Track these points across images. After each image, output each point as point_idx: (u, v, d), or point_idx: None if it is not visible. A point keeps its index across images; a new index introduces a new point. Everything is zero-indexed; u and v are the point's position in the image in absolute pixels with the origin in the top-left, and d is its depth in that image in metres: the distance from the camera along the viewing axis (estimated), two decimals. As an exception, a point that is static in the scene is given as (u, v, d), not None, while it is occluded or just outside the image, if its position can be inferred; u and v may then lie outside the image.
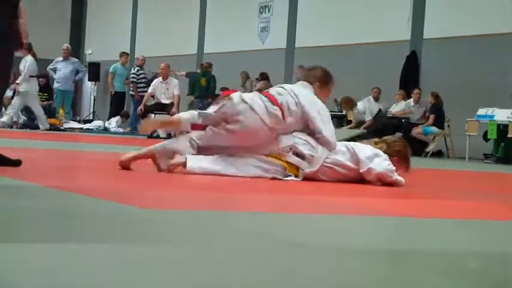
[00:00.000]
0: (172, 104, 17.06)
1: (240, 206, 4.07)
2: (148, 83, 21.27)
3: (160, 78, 17.59)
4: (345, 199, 5.02)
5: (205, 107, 20.66)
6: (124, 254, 2.33)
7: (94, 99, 25.82)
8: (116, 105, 22.73)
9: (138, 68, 21.52)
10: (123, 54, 21.71)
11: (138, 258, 2.28)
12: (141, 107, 17.12)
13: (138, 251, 2.40)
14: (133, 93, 21.50)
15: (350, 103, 15.81)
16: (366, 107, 18.38)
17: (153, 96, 18.09)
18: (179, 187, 5.03)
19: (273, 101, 6.13)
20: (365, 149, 5.99)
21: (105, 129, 21.15)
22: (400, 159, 6.18)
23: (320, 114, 6.27)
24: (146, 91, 21.13)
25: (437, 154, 17.00)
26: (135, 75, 21.34)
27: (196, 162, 5.86)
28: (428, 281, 2.24)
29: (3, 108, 13.74)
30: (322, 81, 6.53)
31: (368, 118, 18.02)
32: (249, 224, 3.28)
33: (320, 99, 6.43)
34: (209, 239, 2.79)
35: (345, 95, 17.45)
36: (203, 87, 20.68)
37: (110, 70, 21.02)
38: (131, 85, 21.50)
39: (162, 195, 4.40)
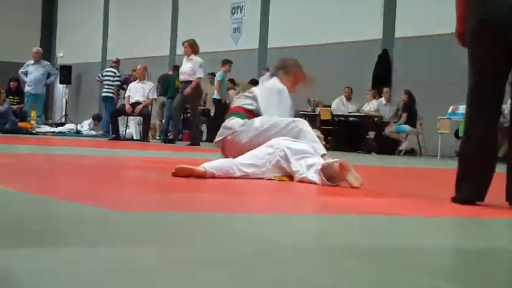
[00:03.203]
0: (139, 103, 17.06)
1: (220, 207, 4.06)
2: (121, 85, 21.33)
3: (136, 80, 17.66)
4: (315, 198, 5.02)
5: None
6: (103, 257, 2.32)
7: (66, 102, 25.72)
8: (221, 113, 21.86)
9: (115, 70, 21.63)
10: (226, 62, 20.62)
11: (120, 261, 2.27)
12: (128, 106, 17.06)
13: (118, 254, 2.39)
14: (108, 94, 21.52)
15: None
16: (338, 107, 18.47)
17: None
18: (159, 189, 5.01)
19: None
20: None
21: (78, 132, 21.08)
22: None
23: (263, 93, 6.58)
24: (107, 91, 21.34)
25: (410, 152, 17.08)
26: (112, 76, 21.50)
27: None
28: (405, 278, 2.25)
29: None
30: (280, 68, 6.89)
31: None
32: (229, 225, 3.28)
33: (287, 87, 6.71)
34: (191, 240, 2.79)
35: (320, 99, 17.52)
36: (177, 89, 20.63)
37: (218, 79, 20.00)
38: (112, 88, 21.53)
39: (141, 197, 4.38)
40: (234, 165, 5.79)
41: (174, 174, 5.60)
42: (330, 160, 5.69)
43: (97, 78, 22.78)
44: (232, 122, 6.53)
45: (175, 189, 5.00)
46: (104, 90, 21.67)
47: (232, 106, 6.87)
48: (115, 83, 21.53)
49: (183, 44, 15.96)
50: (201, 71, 15.53)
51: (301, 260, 2.47)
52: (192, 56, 15.56)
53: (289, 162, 5.79)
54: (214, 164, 5.78)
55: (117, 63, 22.13)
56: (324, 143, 6.60)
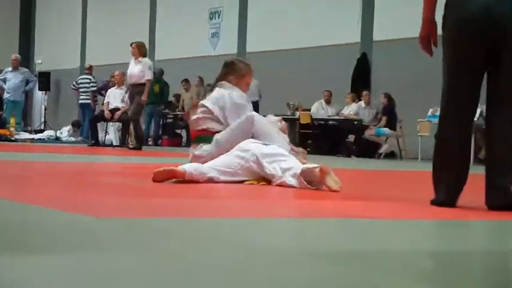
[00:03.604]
0: (118, 109, 16.96)
1: (201, 212, 4.06)
2: (99, 91, 21.39)
3: (115, 86, 17.56)
4: (297, 202, 5.02)
5: (158, 113, 20.73)
6: (81, 264, 2.31)
7: (45, 109, 25.60)
8: None
9: (90, 77, 21.96)
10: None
11: (105, 268, 2.26)
12: (107, 112, 16.94)
13: (95, 260, 2.38)
14: (85, 101, 21.78)
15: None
16: (318, 110, 18.51)
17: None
18: (140, 195, 5.00)
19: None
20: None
21: (57, 139, 21.00)
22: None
23: (232, 112, 6.50)
24: (86, 97, 21.49)
25: (390, 155, 17.12)
26: (88, 83, 21.77)
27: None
28: (387, 281, 2.25)
29: None
30: (230, 73, 6.81)
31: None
32: (211, 230, 3.27)
33: (241, 89, 6.71)
34: (177, 246, 2.78)
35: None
36: (156, 94, 20.61)
37: None
38: (89, 94, 21.82)
39: (120, 203, 4.37)
40: (209, 168, 5.85)
41: (154, 179, 5.60)
42: (310, 165, 5.70)
43: (72, 86, 22.85)
44: (202, 150, 6.49)
45: (157, 195, 4.99)
46: (81, 97, 21.95)
47: (197, 128, 6.71)
48: (90, 89, 21.78)
49: (130, 45, 15.55)
50: (150, 73, 15.14)
51: (286, 264, 2.46)
52: (141, 58, 15.21)
53: (262, 166, 5.82)
54: (192, 165, 5.83)
55: (90, 70, 22.54)
56: (281, 123, 6.76)
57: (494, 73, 4.61)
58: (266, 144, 6.02)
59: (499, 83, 4.59)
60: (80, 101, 22.07)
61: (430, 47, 4.70)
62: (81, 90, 21.98)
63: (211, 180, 5.76)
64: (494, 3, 4.52)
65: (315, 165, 5.69)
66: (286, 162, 5.82)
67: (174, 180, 5.65)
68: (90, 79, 22.04)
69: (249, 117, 6.41)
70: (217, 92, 6.66)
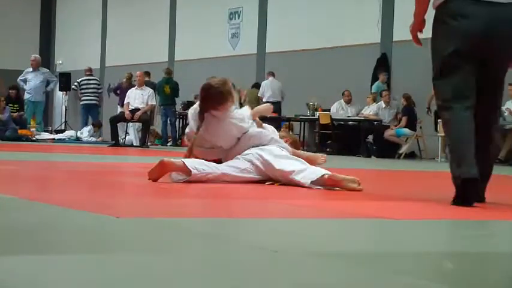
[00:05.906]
0: (139, 109, 16.99)
1: (210, 212, 4.06)
2: (115, 91, 21.51)
3: (135, 86, 17.62)
4: (310, 202, 5.01)
5: (171, 114, 20.73)
6: (102, 264, 2.32)
7: (66, 109, 25.71)
8: None
9: (97, 78, 22.75)
10: (381, 72, 18.69)
11: (118, 268, 2.26)
12: (127, 113, 16.98)
13: (116, 260, 2.38)
14: (94, 102, 22.57)
15: None
16: (337, 111, 18.47)
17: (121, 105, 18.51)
18: (155, 195, 5.01)
19: None
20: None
21: (78, 139, 21.08)
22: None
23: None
24: (93, 99, 22.55)
25: (411, 156, 17.06)
26: (97, 85, 22.50)
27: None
28: (401, 282, 2.25)
29: None
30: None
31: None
32: (219, 230, 3.27)
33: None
34: (184, 246, 2.78)
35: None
36: (168, 95, 20.62)
37: (374, 90, 19.26)
38: (98, 96, 22.47)
39: (138, 203, 4.38)
40: (214, 166, 5.78)
41: (151, 178, 5.59)
42: (320, 172, 5.63)
43: (74, 87, 23.45)
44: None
45: (176, 195, 4.99)
46: (88, 98, 22.46)
47: None
48: (97, 91, 22.60)
49: None
50: None
51: (308, 266, 2.46)
52: None
53: (269, 163, 5.80)
54: (196, 161, 5.75)
55: (90, 72, 23.24)
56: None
57: (481, 80, 4.69)
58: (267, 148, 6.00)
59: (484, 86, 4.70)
60: (87, 102, 22.62)
61: (419, 40, 4.94)
62: (89, 91, 22.54)
63: (224, 176, 5.72)
64: (488, 22, 4.59)
65: (324, 172, 5.62)
66: (293, 161, 5.83)
67: (187, 179, 5.60)
68: (97, 80, 22.81)
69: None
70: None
